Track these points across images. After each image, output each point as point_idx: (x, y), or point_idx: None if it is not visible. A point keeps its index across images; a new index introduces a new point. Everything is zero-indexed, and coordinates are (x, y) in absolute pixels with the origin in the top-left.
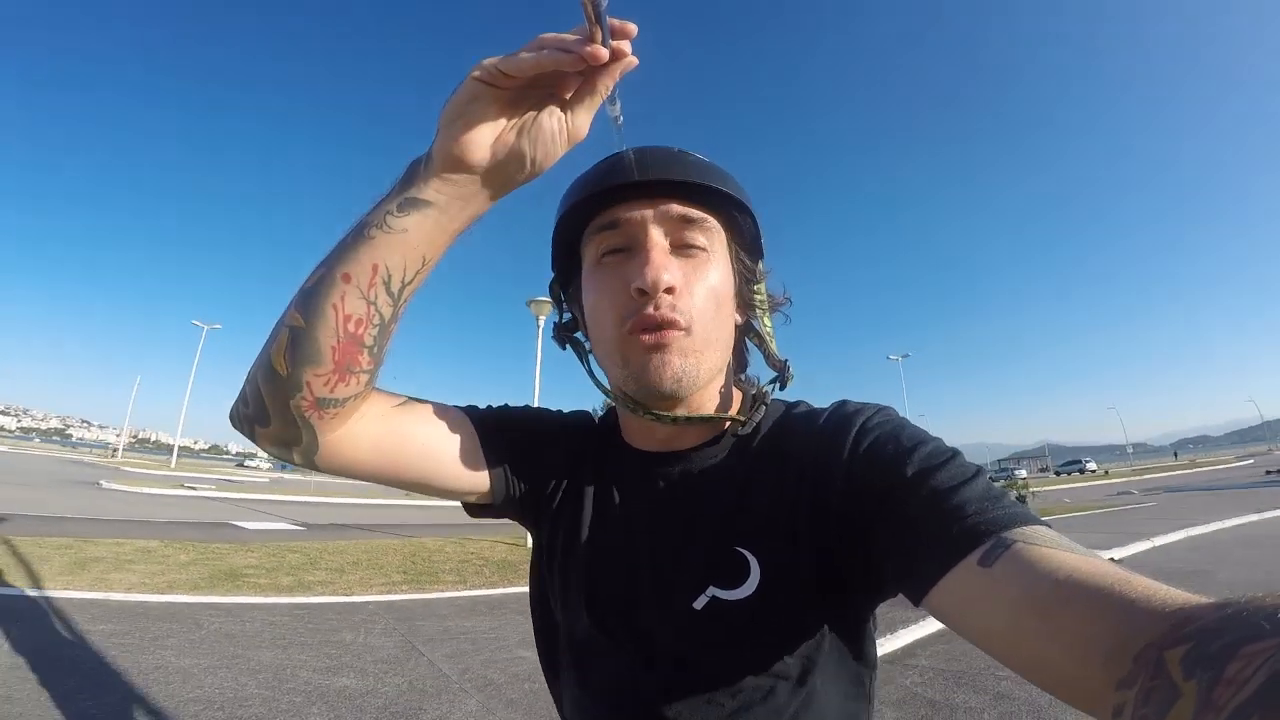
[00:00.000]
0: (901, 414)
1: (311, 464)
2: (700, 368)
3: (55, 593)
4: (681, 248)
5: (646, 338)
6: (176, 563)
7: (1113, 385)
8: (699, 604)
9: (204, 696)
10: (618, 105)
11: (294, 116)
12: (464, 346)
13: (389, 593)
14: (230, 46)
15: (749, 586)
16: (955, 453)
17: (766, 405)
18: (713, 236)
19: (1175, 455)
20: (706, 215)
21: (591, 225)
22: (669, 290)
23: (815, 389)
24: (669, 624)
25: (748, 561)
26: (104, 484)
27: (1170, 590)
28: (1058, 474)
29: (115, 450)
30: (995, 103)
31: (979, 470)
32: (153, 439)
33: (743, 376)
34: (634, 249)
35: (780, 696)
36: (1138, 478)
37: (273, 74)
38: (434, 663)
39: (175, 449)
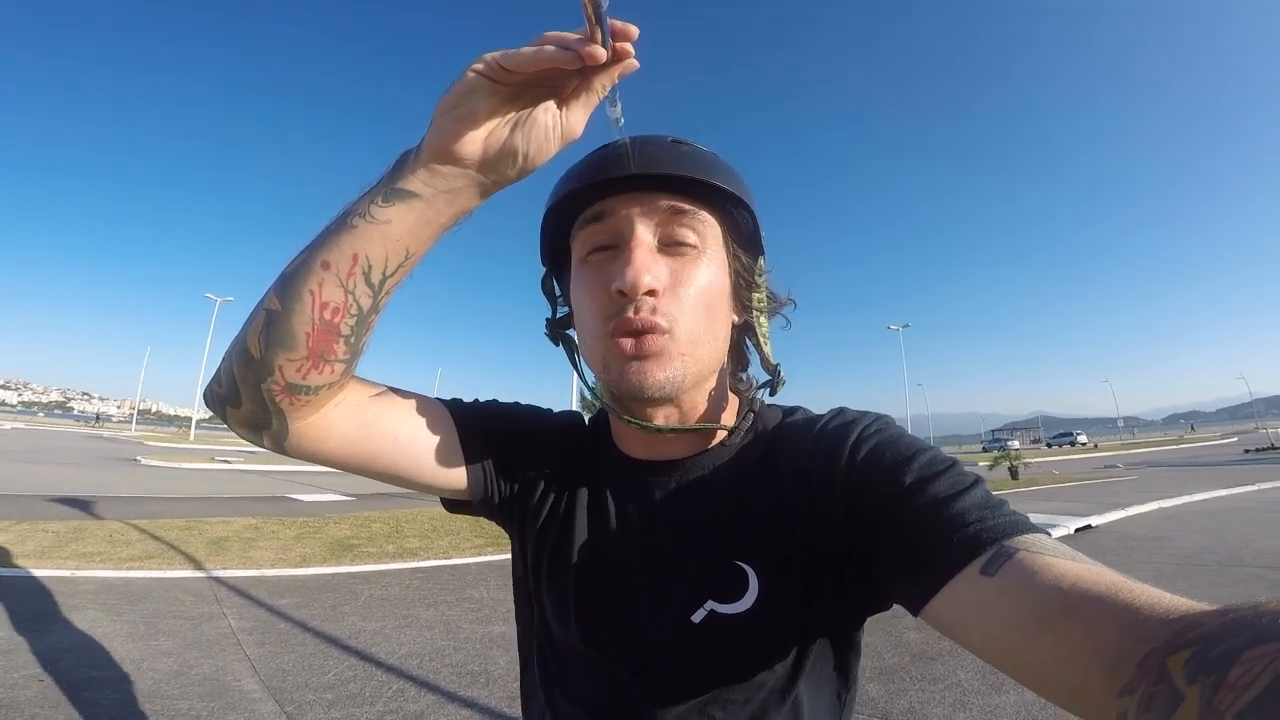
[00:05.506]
0: (898, 416)
1: (281, 449)
2: (685, 372)
3: (221, 572)
4: (672, 245)
5: (626, 343)
6: (289, 537)
7: (1109, 358)
8: (697, 617)
9: (413, 651)
10: (618, 106)
11: (311, 95)
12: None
13: (479, 555)
14: (246, 31)
15: (748, 600)
16: (953, 462)
17: (755, 412)
18: (706, 232)
19: (1192, 428)
20: (699, 210)
21: (580, 218)
22: (651, 293)
23: (809, 364)
24: (666, 638)
25: (746, 574)
26: (141, 460)
27: (1174, 598)
28: (1049, 446)
29: (106, 418)
30: (987, 79)
31: (977, 479)
32: (153, 409)
33: (742, 377)
34: (620, 246)
35: (770, 710)
36: (1125, 451)
37: (286, 55)
38: None
39: (194, 422)
